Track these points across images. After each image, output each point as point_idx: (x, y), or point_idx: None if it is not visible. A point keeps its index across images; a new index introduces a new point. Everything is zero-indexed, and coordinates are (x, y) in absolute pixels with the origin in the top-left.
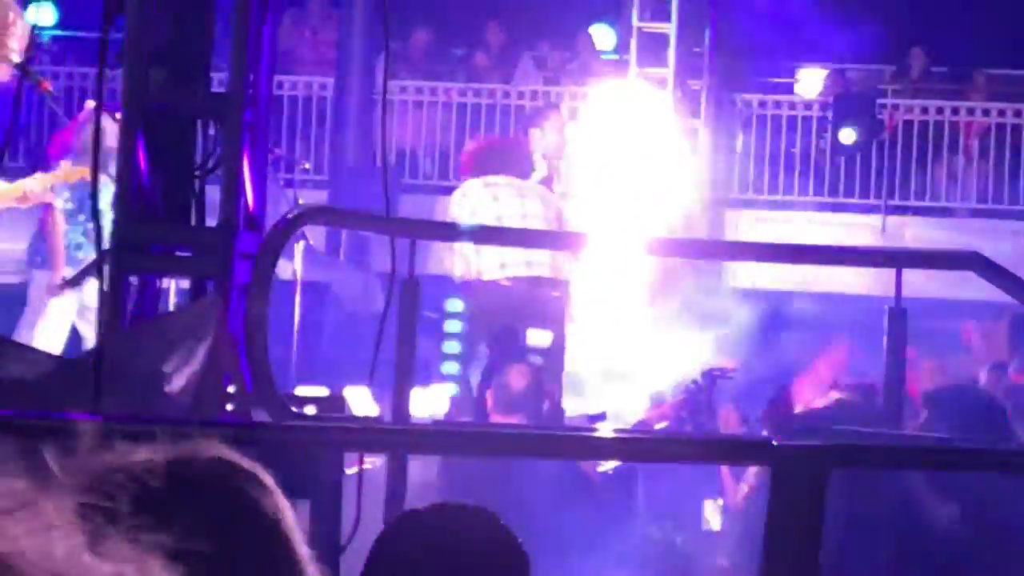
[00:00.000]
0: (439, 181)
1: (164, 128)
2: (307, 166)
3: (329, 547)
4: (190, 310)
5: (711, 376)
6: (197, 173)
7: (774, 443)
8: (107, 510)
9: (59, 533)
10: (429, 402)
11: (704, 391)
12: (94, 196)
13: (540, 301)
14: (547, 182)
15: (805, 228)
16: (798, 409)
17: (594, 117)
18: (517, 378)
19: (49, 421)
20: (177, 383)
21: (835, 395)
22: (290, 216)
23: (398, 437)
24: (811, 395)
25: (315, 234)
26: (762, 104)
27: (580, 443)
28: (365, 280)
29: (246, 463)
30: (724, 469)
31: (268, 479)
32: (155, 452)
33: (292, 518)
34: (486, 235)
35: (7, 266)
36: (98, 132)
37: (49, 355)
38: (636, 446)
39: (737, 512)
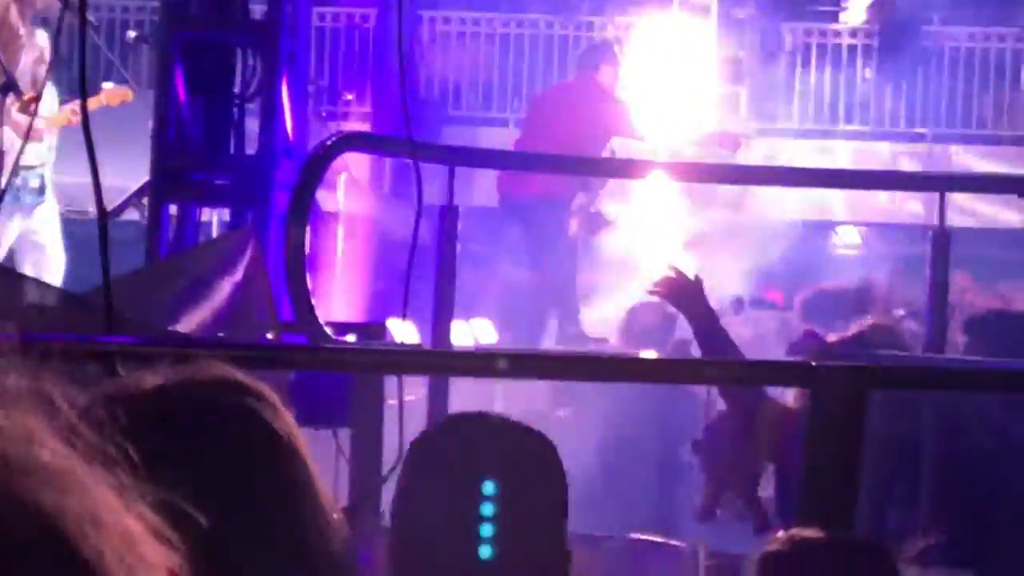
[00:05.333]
0: (483, 112)
1: (203, 57)
2: (349, 98)
3: (371, 476)
4: (223, 241)
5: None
6: (236, 103)
7: (813, 364)
8: (101, 436)
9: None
10: (473, 334)
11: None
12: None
13: None
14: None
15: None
16: (832, 338)
17: (639, 48)
18: (646, 313)
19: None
20: (199, 314)
21: (871, 321)
22: (328, 142)
23: (436, 359)
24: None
25: (359, 170)
26: (807, 32)
27: (614, 366)
28: (409, 213)
29: (252, 382)
30: None
31: (276, 398)
32: (159, 376)
33: (302, 437)
34: (521, 161)
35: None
36: (84, 73)
37: (59, 290)
38: (673, 369)
39: None
